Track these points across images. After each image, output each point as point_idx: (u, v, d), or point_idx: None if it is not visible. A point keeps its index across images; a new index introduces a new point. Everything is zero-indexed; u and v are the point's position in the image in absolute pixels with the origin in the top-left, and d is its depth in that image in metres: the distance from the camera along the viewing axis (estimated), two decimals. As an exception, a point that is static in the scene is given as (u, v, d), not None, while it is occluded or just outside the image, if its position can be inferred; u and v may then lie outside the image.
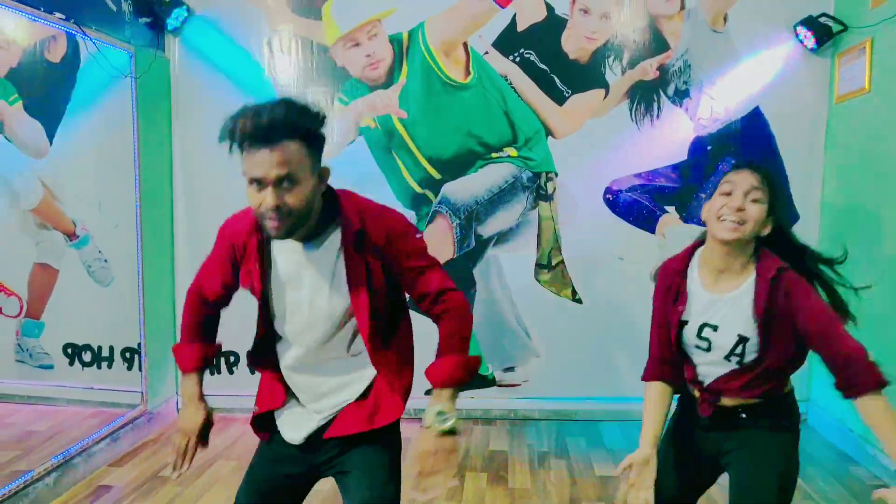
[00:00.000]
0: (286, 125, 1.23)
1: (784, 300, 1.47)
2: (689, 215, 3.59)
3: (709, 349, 1.55)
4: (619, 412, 3.62)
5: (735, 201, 1.47)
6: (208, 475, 3.00)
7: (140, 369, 3.49)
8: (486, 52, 3.54)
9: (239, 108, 1.26)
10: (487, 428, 3.61)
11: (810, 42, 3.38)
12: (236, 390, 3.80)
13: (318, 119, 1.30)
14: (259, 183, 1.25)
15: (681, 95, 3.54)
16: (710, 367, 1.57)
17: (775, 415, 1.58)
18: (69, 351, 3.52)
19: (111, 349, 3.54)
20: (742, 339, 1.51)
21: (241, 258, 1.47)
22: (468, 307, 1.51)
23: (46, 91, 3.30)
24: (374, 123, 3.61)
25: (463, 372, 1.45)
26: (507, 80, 3.55)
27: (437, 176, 3.62)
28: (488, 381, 3.73)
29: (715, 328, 1.53)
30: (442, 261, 3.63)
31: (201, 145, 3.69)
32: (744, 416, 1.57)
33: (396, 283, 1.49)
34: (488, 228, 3.63)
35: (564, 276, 3.64)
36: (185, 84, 3.68)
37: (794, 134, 3.51)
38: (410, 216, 3.64)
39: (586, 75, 3.54)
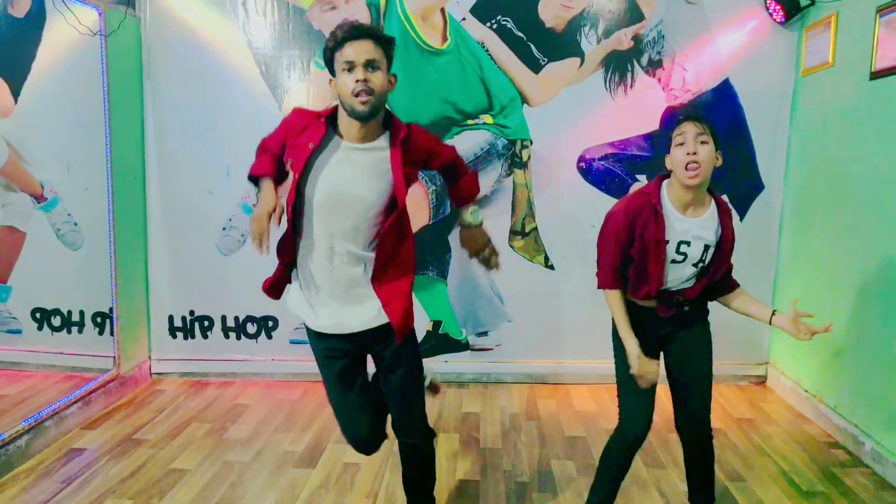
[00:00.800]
0: (369, 29, 1.69)
1: (727, 231, 2.01)
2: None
3: (684, 261, 1.98)
4: (588, 375, 3.73)
5: (689, 147, 1.88)
6: (182, 438, 3.01)
7: (112, 333, 3.46)
8: (464, 19, 3.54)
9: (331, 31, 1.71)
10: (460, 391, 3.69)
11: (779, 15, 3.46)
12: (210, 355, 3.81)
13: (386, 34, 1.74)
14: (350, 68, 1.67)
15: (654, 66, 3.59)
16: (679, 274, 2.00)
17: (704, 308, 2.14)
18: (38, 315, 3.47)
19: (81, 314, 3.50)
20: (706, 248, 1.98)
21: (294, 136, 1.79)
22: (476, 175, 2.07)
23: (10, 48, 3.20)
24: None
25: (477, 185, 2.06)
26: (483, 46, 3.56)
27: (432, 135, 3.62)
28: (462, 346, 3.80)
29: (689, 244, 1.96)
30: (418, 227, 3.70)
31: (174, 105, 3.63)
32: (686, 308, 2.07)
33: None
34: (463, 195, 3.66)
35: (538, 242, 3.70)
36: (156, 43, 3.60)
37: (762, 106, 3.60)
38: (386, 182, 3.66)
39: (562, 44, 3.57)
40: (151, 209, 3.71)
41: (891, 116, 2.75)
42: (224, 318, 3.78)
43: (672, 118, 3.62)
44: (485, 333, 3.80)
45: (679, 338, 2.10)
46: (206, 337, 3.80)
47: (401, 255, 1.87)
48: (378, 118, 1.75)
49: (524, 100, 3.60)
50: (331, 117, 1.79)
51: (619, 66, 3.59)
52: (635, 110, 3.62)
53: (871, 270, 2.87)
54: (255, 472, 2.70)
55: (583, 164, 3.65)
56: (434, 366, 3.79)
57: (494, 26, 3.54)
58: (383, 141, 1.78)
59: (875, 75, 2.85)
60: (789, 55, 3.55)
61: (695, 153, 1.87)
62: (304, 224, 1.81)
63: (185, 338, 3.81)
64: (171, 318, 3.79)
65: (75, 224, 3.44)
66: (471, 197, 2.05)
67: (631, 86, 3.60)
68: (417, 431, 2.04)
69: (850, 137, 3.06)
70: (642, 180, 3.67)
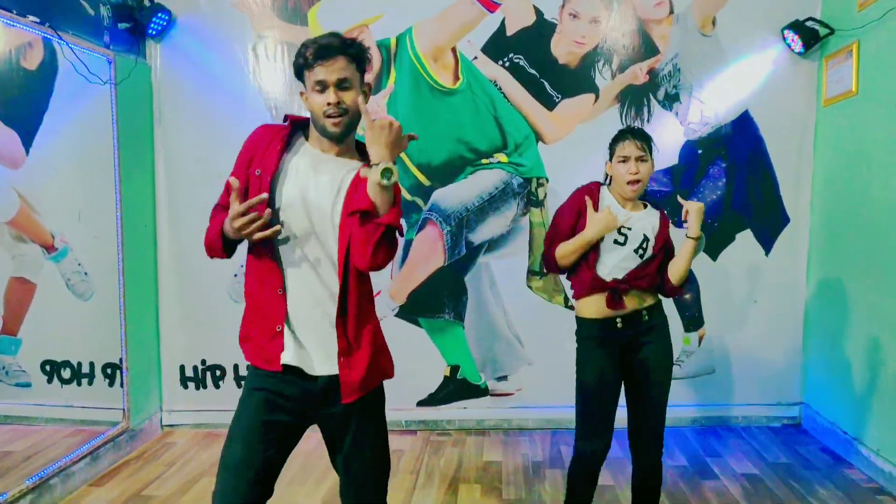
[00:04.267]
0: (340, 46, 1.60)
1: (667, 237, 2.21)
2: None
3: (624, 243, 2.14)
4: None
5: (631, 166, 2.10)
6: (192, 493, 2.90)
7: (122, 385, 3.37)
8: (475, 58, 3.50)
9: (300, 46, 1.62)
10: (481, 438, 3.55)
11: (798, 46, 3.39)
12: (223, 405, 3.70)
13: (359, 44, 1.65)
14: (321, 87, 1.59)
15: (671, 100, 3.53)
16: (623, 261, 2.15)
17: (662, 317, 2.26)
18: (47, 368, 3.39)
19: (91, 365, 3.42)
20: (646, 239, 2.16)
21: (256, 159, 1.65)
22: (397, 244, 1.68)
23: (22, 99, 3.19)
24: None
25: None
26: (496, 85, 3.51)
27: (426, 182, 3.56)
28: (481, 391, 3.67)
29: (630, 229, 2.15)
30: (433, 269, 3.61)
31: (185, 151, 3.61)
32: (646, 316, 2.18)
33: None
34: (479, 235, 3.59)
35: (556, 282, 3.60)
36: (167, 90, 3.59)
37: (784, 137, 3.52)
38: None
39: (576, 80, 3.52)
40: (162, 257, 3.66)
41: (923, 146, 2.65)
42: (236, 367, 3.69)
43: (691, 152, 3.55)
44: (504, 378, 3.68)
45: (640, 352, 2.19)
46: (217, 386, 3.70)
47: (367, 291, 1.68)
48: (350, 139, 1.68)
49: (539, 137, 3.54)
50: (301, 124, 1.69)
51: (634, 100, 3.53)
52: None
53: (910, 307, 2.74)
54: (269, 534, 2.57)
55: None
56: (453, 413, 3.68)
57: (507, 64, 3.50)
58: (353, 161, 1.67)
59: (903, 104, 2.76)
60: (810, 85, 3.47)
61: (636, 171, 2.10)
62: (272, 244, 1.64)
63: (197, 388, 3.71)
64: (182, 368, 3.71)
65: (85, 274, 3.39)
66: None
67: (648, 120, 3.53)
68: None
69: (879, 167, 2.95)
70: (663, 216, 3.58)
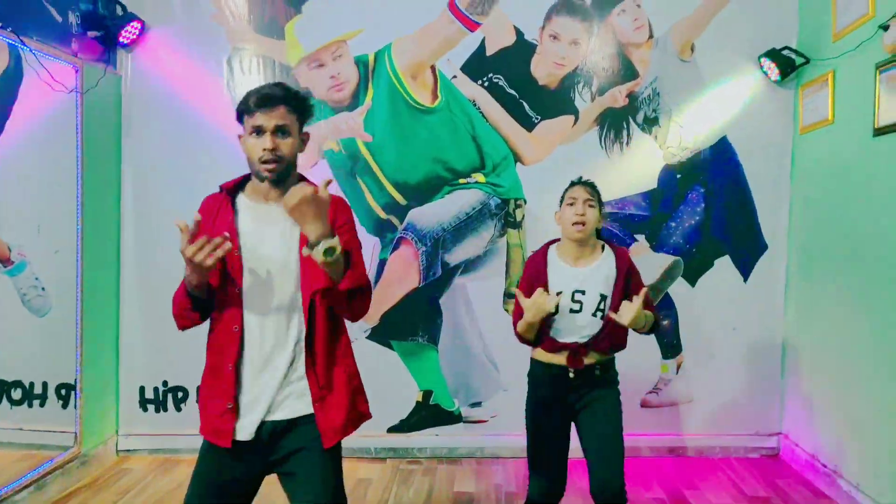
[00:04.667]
0: (283, 96, 1.64)
1: (627, 275, 2.18)
2: (660, 244, 3.53)
3: (580, 310, 2.14)
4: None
5: (578, 209, 2.14)
6: (149, 524, 2.72)
7: (75, 407, 3.20)
8: (455, 77, 3.46)
9: (247, 92, 1.66)
10: (452, 467, 3.41)
11: (774, 74, 3.41)
12: (184, 429, 3.53)
13: (302, 96, 1.69)
14: (258, 133, 1.61)
15: (650, 123, 3.51)
16: (582, 328, 2.14)
17: (613, 371, 2.24)
18: (-3, 388, 3.21)
19: (45, 385, 3.24)
20: (602, 297, 2.15)
21: (213, 224, 1.66)
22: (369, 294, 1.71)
23: (-17, 106, 3.07)
24: (338, 147, 3.47)
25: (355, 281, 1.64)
26: (475, 104, 3.47)
27: (402, 201, 3.48)
28: (454, 417, 3.55)
29: (583, 292, 2.14)
30: (407, 289, 3.51)
31: (154, 164, 3.49)
32: (598, 371, 2.17)
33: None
34: (455, 256, 3.50)
35: (534, 306, 3.52)
36: (138, 101, 3.48)
37: (761, 163, 3.51)
38: (374, 242, 3.50)
39: (556, 101, 3.49)
40: (125, 272, 3.51)
41: (900, 173, 2.64)
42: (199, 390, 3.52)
43: (670, 177, 3.53)
44: (478, 404, 3.56)
45: (590, 406, 2.19)
46: (179, 409, 3.53)
47: (338, 332, 1.73)
48: (291, 181, 1.67)
49: (517, 158, 3.49)
50: (234, 187, 1.72)
51: (614, 123, 3.51)
52: (632, 169, 3.52)
53: (887, 334, 2.70)
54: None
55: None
56: (424, 440, 3.55)
57: (486, 84, 3.46)
58: None
59: (879, 132, 2.76)
60: (786, 112, 3.48)
61: (583, 214, 2.13)
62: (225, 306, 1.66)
63: (157, 410, 3.54)
64: (142, 390, 3.53)
65: (43, 289, 3.23)
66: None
67: (627, 144, 3.51)
68: None
69: (856, 195, 2.95)
70: (640, 240, 3.53)
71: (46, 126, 3.16)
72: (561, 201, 2.24)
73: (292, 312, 1.65)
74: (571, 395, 2.18)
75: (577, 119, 3.49)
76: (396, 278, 3.49)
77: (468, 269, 3.52)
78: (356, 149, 3.46)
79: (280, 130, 1.62)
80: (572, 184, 2.24)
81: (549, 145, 3.49)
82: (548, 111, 3.49)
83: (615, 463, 2.12)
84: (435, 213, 3.47)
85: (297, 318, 1.65)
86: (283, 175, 1.64)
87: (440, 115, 3.45)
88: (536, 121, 3.49)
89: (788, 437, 3.50)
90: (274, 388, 1.64)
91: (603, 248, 2.22)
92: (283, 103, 1.62)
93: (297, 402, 1.66)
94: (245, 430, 1.64)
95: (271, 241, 1.65)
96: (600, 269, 2.17)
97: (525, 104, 3.48)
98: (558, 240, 2.27)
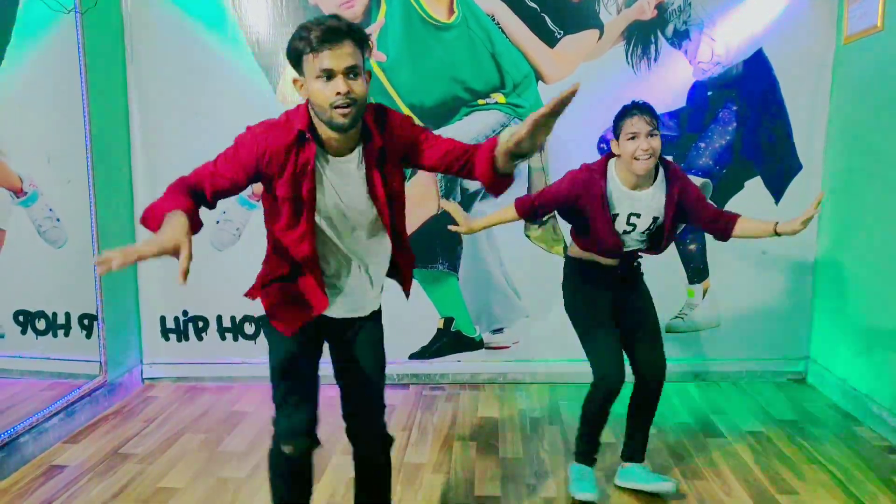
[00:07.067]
0: (347, 29, 1.49)
1: (681, 192, 2.18)
2: (689, 166, 3.38)
3: (633, 230, 2.19)
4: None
5: (641, 143, 2.04)
6: (173, 451, 2.76)
7: (98, 337, 3.21)
8: (472, -11, 3.26)
9: (298, 27, 1.51)
10: (475, 393, 3.42)
11: (818, -22, 3.16)
12: (206, 358, 3.56)
13: (359, 27, 1.54)
14: (328, 76, 1.48)
15: (680, 37, 3.30)
16: (632, 241, 2.22)
17: (640, 269, 2.37)
18: (21, 318, 3.24)
19: (67, 316, 3.26)
20: (654, 220, 2.19)
21: (275, 167, 1.57)
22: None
23: (-19, 30, 2.95)
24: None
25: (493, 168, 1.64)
26: (493, 19, 3.28)
27: (419, 124, 3.35)
28: (476, 344, 3.53)
29: (638, 216, 2.17)
30: (426, 216, 3.43)
31: (161, 90, 3.38)
32: (636, 264, 2.33)
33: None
34: (474, 182, 3.39)
35: (556, 231, 3.42)
36: (140, 24, 3.34)
37: (800, 78, 3.30)
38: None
39: (579, 15, 3.28)
40: (139, 201, 3.45)
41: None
42: (220, 319, 3.53)
43: (700, 94, 3.34)
44: (500, 330, 3.53)
45: (629, 297, 2.31)
46: (200, 339, 3.55)
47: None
48: (358, 126, 1.58)
49: (539, 76, 3.32)
50: (311, 127, 1.59)
51: (641, 37, 3.30)
52: (660, 86, 3.33)
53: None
54: (252, 491, 2.43)
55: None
56: (446, 366, 3.54)
57: (505, -3, 3.26)
58: (359, 151, 1.64)
59: (934, 37, 2.55)
60: (829, 19, 3.24)
61: (647, 149, 2.04)
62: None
63: (179, 340, 3.56)
64: (162, 320, 3.54)
65: (58, 220, 3.20)
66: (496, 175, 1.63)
67: (655, 59, 3.31)
68: (379, 437, 1.88)
69: (903, 108, 2.76)
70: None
71: (49, 51, 3.05)
72: (615, 129, 2.11)
73: (376, 230, 1.71)
74: (614, 288, 2.29)
75: (601, 33, 3.29)
76: (415, 204, 3.38)
77: (488, 195, 3.42)
78: (369, 69, 3.30)
79: (351, 71, 1.48)
80: (628, 112, 2.08)
81: (572, 62, 3.31)
82: (571, 26, 3.29)
83: (659, 343, 2.30)
84: (453, 136, 3.32)
85: (382, 234, 1.72)
86: (356, 121, 1.54)
87: (457, 32, 3.27)
88: (559, 36, 3.29)
89: (817, 362, 3.43)
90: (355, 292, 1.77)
91: (657, 168, 2.16)
92: (349, 37, 1.48)
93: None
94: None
95: (350, 196, 1.64)
96: (655, 195, 2.16)
97: (547, 18, 3.28)
98: (616, 155, 2.16)
